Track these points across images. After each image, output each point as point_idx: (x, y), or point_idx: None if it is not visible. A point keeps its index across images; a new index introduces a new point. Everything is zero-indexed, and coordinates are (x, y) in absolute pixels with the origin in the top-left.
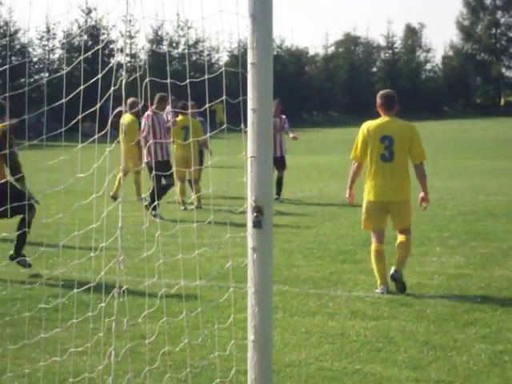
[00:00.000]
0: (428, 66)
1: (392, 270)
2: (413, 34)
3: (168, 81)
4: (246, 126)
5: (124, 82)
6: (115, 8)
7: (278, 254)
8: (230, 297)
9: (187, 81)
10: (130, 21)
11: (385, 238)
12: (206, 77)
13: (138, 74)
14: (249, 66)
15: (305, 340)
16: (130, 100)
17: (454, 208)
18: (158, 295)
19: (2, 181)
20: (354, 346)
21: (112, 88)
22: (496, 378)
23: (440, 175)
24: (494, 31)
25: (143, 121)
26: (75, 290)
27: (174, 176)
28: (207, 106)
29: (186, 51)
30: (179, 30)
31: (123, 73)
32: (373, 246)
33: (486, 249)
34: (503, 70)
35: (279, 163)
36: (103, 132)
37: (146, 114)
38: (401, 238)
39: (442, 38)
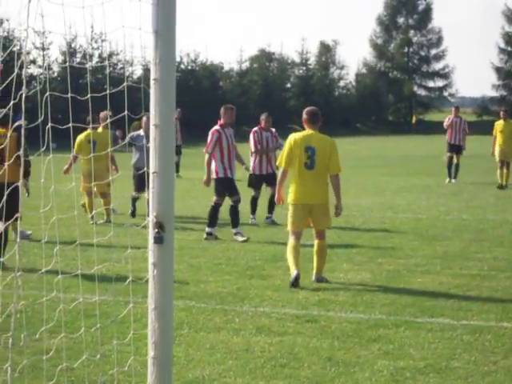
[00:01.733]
0: (341, 83)
1: (314, 278)
2: (327, 50)
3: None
4: (148, 141)
5: (24, 95)
6: (28, 20)
7: (185, 269)
8: (134, 312)
9: (88, 95)
10: (44, 33)
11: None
12: (108, 92)
13: (38, 88)
14: (151, 82)
15: (209, 356)
16: (102, 113)
17: (363, 225)
18: (57, 310)
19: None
20: (259, 361)
21: (21, 99)
22: None
23: (350, 192)
24: (406, 50)
25: (210, 136)
26: None
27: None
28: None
29: (88, 64)
30: (93, 43)
31: (23, 87)
32: (292, 243)
33: (392, 265)
34: (415, 88)
35: (271, 180)
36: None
37: (214, 129)
38: (317, 244)
39: (355, 55)
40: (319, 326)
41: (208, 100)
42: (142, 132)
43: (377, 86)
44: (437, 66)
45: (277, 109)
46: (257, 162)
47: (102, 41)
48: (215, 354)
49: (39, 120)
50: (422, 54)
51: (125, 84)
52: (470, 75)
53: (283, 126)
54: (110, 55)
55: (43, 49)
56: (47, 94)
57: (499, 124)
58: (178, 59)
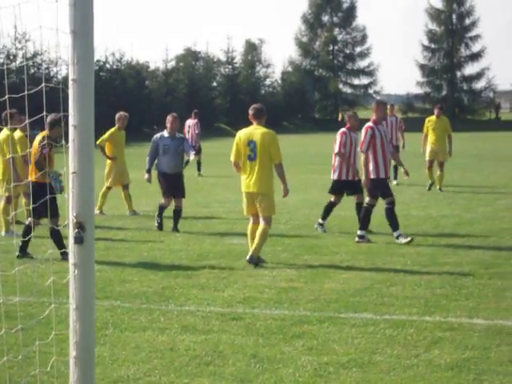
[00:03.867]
0: (267, 82)
1: (247, 258)
2: (253, 49)
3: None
4: (67, 142)
5: None
6: None
7: (110, 269)
8: (58, 313)
9: (6, 96)
10: None
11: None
12: (26, 93)
13: None
14: (70, 82)
15: (134, 355)
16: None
17: (288, 222)
18: None
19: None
20: (183, 360)
21: None
22: None
23: (276, 190)
24: (331, 48)
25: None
26: None
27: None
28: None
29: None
30: (17, 43)
31: None
32: (249, 226)
33: (317, 262)
34: (341, 85)
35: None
36: None
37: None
38: (260, 226)
39: (281, 53)
40: (244, 324)
41: (134, 99)
42: (166, 133)
43: (303, 84)
44: (362, 63)
45: (203, 107)
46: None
47: (26, 41)
48: (140, 353)
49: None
50: (347, 51)
51: (43, 85)
52: (395, 73)
53: (209, 125)
54: (34, 55)
55: None
56: None
57: (431, 121)
58: (103, 59)
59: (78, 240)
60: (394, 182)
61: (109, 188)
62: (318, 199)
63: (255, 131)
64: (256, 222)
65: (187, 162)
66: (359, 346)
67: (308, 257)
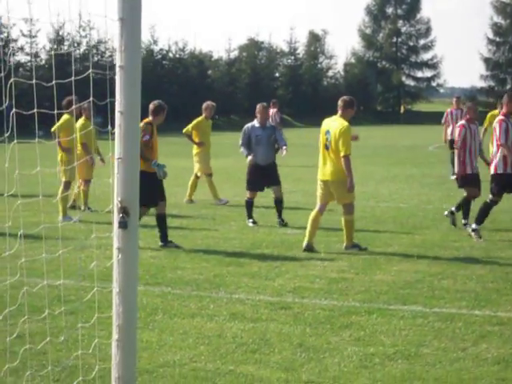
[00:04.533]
0: (330, 73)
1: (304, 245)
2: (316, 40)
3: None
4: (113, 128)
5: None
6: (16, 7)
7: (164, 255)
8: (106, 297)
9: (53, 82)
10: (31, 20)
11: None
12: (73, 78)
13: (2, 74)
14: (117, 69)
15: (181, 341)
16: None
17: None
18: (20, 294)
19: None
20: (230, 347)
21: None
22: (364, 379)
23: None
24: (394, 40)
25: (498, 127)
26: None
27: None
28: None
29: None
30: (81, 31)
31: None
32: (313, 212)
33: (370, 254)
34: (403, 78)
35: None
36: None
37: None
38: (343, 219)
39: (344, 45)
40: (292, 313)
41: (196, 89)
42: (256, 123)
43: (365, 76)
44: (425, 56)
45: (265, 98)
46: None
47: (90, 29)
48: (187, 340)
49: (4, 105)
50: (411, 44)
51: (90, 71)
52: (459, 66)
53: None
54: (99, 43)
55: (31, 36)
56: (11, 80)
57: (494, 116)
58: (166, 48)
59: (122, 225)
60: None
61: (198, 177)
62: (374, 191)
63: (333, 122)
64: (322, 211)
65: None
66: (406, 338)
67: None
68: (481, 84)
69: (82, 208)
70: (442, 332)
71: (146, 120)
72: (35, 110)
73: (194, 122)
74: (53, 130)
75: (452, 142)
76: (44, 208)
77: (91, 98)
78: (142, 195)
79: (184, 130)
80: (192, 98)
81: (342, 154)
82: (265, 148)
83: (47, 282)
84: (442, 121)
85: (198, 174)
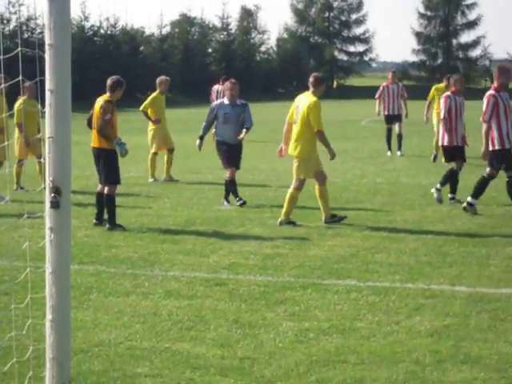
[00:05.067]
0: (263, 48)
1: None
2: (248, 15)
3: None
4: (43, 107)
5: None
6: None
7: (98, 234)
8: (38, 277)
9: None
10: None
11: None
12: (1, 57)
13: None
14: (46, 47)
15: (116, 320)
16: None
17: (278, 189)
18: None
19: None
20: (165, 325)
21: None
22: (299, 354)
23: (268, 156)
24: (327, 15)
25: (485, 102)
26: None
27: None
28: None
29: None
30: (10, 7)
31: None
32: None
33: (303, 229)
34: (336, 53)
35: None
36: None
37: (489, 93)
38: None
39: (276, 20)
40: (227, 289)
41: (128, 65)
42: (226, 100)
43: (298, 51)
44: (357, 30)
45: (198, 74)
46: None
47: (20, 5)
48: (122, 318)
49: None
50: (343, 18)
51: (19, 49)
52: (391, 40)
53: (204, 92)
54: (28, 19)
55: None
56: None
57: (439, 89)
58: (97, 24)
59: (54, 204)
60: (399, 153)
61: (155, 153)
62: None
63: (303, 98)
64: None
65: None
66: (341, 312)
67: None
68: (413, 58)
69: (15, 188)
70: (375, 306)
71: (106, 98)
72: None
73: (150, 98)
74: None
75: (389, 117)
76: None
77: (20, 77)
78: (105, 173)
79: (141, 108)
80: (125, 74)
81: (315, 129)
82: (233, 127)
83: None
84: (376, 95)
85: (155, 151)
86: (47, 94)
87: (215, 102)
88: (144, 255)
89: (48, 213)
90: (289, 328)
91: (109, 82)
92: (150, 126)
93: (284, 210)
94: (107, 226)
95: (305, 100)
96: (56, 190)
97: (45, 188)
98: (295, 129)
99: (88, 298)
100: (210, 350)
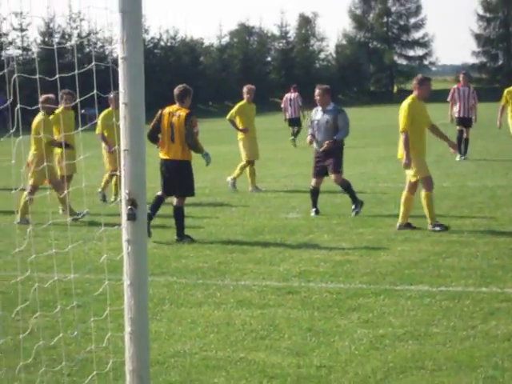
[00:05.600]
0: (322, 55)
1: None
2: (306, 23)
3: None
4: (118, 120)
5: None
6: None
7: (167, 245)
8: (114, 289)
9: (57, 76)
10: (21, 13)
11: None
12: (76, 72)
13: (5, 70)
14: (119, 61)
15: (190, 330)
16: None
17: (344, 196)
18: (32, 290)
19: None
20: (239, 334)
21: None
22: (375, 361)
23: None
24: (385, 20)
25: None
26: None
27: None
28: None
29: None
30: (71, 22)
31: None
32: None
33: (372, 235)
34: (395, 57)
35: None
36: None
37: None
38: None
39: (335, 27)
40: (300, 298)
41: (189, 76)
42: (319, 109)
43: (357, 57)
44: (416, 34)
45: (258, 83)
46: None
47: (81, 20)
48: (196, 328)
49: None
50: (401, 23)
51: (93, 64)
52: (450, 43)
53: (265, 100)
54: (89, 34)
55: (21, 30)
56: (15, 75)
57: (510, 93)
58: (157, 36)
59: (131, 217)
60: (463, 158)
61: (248, 162)
62: (373, 171)
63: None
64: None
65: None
66: (415, 318)
67: (363, 229)
68: (473, 60)
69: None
70: (450, 311)
71: (186, 110)
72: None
73: (237, 106)
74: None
75: (461, 119)
76: (49, 202)
77: (95, 91)
78: (183, 185)
79: (228, 116)
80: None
81: (400, 130)
82: (320, 133)
83: (56, 276)
84: (448, 98)
85: (248, 159)
86: (121, 106)
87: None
88: (214, 265)
89: (125, 225)
90: (363, 335)
91: (176, 91)
92: (240, 136)
93: (401, 213)
94: (176, 237)
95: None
96: (132, 203)
97: (120, 200)
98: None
99: (161, 309)
100: (286, 359)
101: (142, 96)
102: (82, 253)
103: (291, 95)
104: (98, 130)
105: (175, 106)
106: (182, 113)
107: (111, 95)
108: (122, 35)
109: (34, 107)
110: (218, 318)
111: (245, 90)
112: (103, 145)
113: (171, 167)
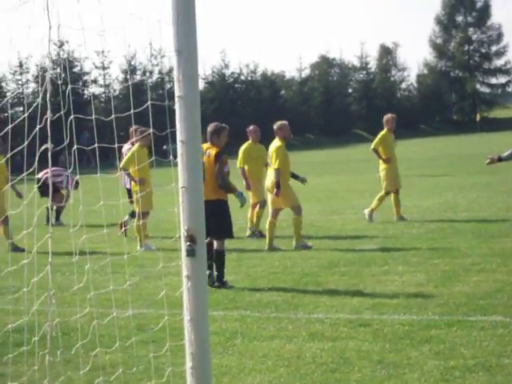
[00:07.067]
0: (403, 85)
1: None
2: (387, 53)
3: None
4: (175, 157)
5: (49, 120)
6: (87, 40)
7: (242, 279)
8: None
9: (113, 116)
10: (103, 52)
11: None
12: (132, 111)
13: (62, 112)
14: (176, 99)
15: (261, 364)
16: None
17: (421, 226)
18: (91, 326)
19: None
20: (309, 367)
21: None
22: None
23: (411, 194)
24: (466, 48)
25: None
26: (10, 325)
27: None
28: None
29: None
30: (152, 59)
31: (48, 112)
32: None
33: (448, 265)
34: (478, 85)
35: None
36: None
37: None
38: None
39: (416, 56)
40: (372, 330)
41: (269, 110)
42: None
43: (439, 86)
44: (498, 62)
45: (339, 114)
46: None
47: (162, 57)
48: (267, 362)
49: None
50: (483, 51)
51: (149, 103)
52: None
53: (346, 132)
54: (170, 70)
55: (103, 68)
56: (71, 116)
57: None
58: (237, 71)
59: (190, 253)
60: None
61: (387, 193)
62: (452, 201)
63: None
64: None
65: None
66: (487, 348)
67: (439, 260)
68: None
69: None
70: None
71: (216, 149)
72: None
73: (379, 136)
74: (122, 165)
75: None
76: (118, 239)
77: (151, 130)
78: (220, 226)
79: (372, 146)
80: (265, 119)
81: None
82: None
83: (130, 311)
84: None
85: (387, 190)
86: (178, 144)
87: None
88: (287, 298)
89: (184, 261)
90: (434, 367)
91: (209, 128)
92: (382, 166)
93: None
94: (215, 283)
95: None
96: (191, 239)
97: (180, 237)
98: None
99: (233, 343)
100: None
101: (198, 134)
102: (152, 288)
103: None
104: (241, 163)
105: (206, 145)
106: (213, 151)
107: (251, 127)
108: (178, 74)
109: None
110: (288, 351)
111: (384, 119)
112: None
113: (206, 208)
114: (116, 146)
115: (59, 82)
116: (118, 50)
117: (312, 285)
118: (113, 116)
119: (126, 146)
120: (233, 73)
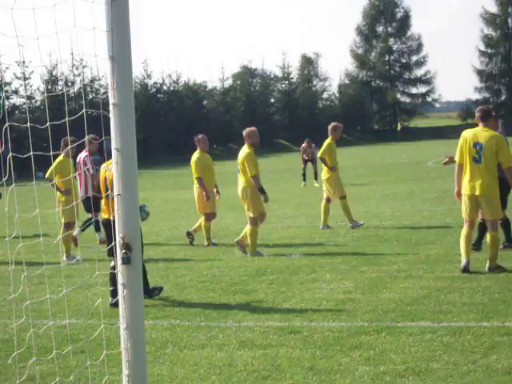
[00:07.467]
0: (325, 95)
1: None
2: (309, 63)
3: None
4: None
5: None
6: (8, 50)
7: (171, 288)
8: (109, 334)
9: (48, 123)
10: (24, 62)
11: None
12: (67, 119)
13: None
14: (110, 107)
15: (193, 372)
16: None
17: (347, 234)
18: (27, 336)
19: None
20: (241, 375)
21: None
22: None
23: (335, 202)
24: (387, 58)
25: None
26: None
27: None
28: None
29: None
30: (74, 69)
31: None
32: (465, 230)
33: (375, 273)
34: (398, 95)
35: None
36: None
37: None
38: (489, 235)
39: (337, 66)
40: (302, 337)
41: (192, 120)
42: None
43: (360, 96)
44: (418, 72)
45: (262, 124)
46: None
47: (83, 67)
48: (198, 371)
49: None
50: (403, 61)
51: (84, 110)
52: (453, 79)
53: (269, 142)
54: (92, 80)
55: (24, 78)
56: (6, 124)
57: None
58: (159, 81)
59: (125, 260)
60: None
61: (341, 198)
62: (376, 210)
63: (482, 133)
64: (472, 227)
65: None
66: (416, 354)
67: (366, 268)
68: (476, 96)
69: (206, 243)
70: (451, 346)
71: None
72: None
73: (325, 145)
74: (47, 175)
75: None
76: (47, 249)
77: (86, 138)
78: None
79: (319, 155)
80: (188, 129)
81: (505, 165)
82: None
83: (54, 322)
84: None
85: (330, 198)
86: (113, 152)
87: None
88: (217, 307)
89: (120, 269)
90: (365, 372)
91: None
92: (326, 174)
93: (490, 255)
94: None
95: (486, 135)
96: (126, 246)
97: (115, 245)
98: (479, 166)
99: (164, 352)
100: None
101: (133, 142)
102: (83, 298)
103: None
104: (197, 173)
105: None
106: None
107: (199, 137)
108: (112, 82)
109: (24, 155)
110: (220, 359)
111: (330, 127)
112: (195, 188)
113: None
114: (51, 153)
115: None
116: (38, 59)
117: (241, 293)
118: (48, 124)
119: (81, 155)
120: (155, 83)
